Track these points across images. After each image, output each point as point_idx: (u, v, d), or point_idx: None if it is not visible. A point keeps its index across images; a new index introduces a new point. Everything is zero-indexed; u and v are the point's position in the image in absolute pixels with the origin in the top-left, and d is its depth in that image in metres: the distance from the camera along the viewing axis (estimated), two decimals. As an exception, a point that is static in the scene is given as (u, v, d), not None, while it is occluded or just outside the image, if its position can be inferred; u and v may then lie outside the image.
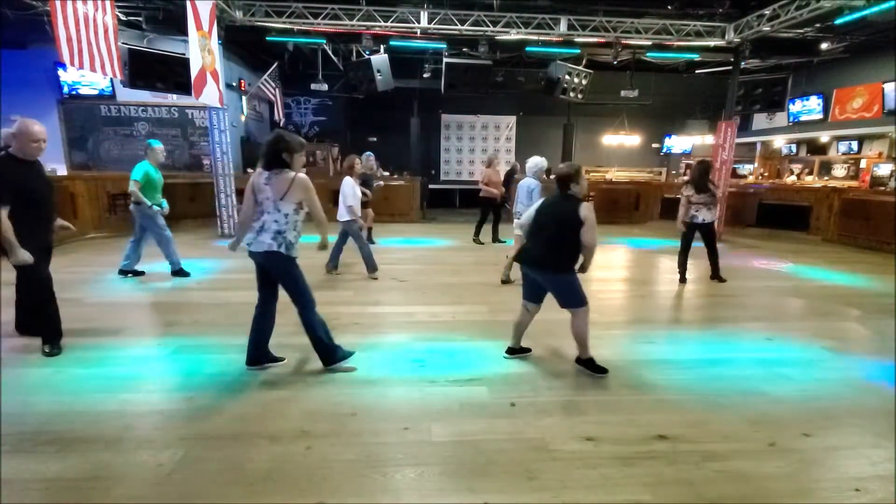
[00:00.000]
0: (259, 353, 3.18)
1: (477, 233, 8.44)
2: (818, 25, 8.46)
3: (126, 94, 10.31)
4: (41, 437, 2.35)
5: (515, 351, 3.48)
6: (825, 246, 8.73)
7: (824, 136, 12.87)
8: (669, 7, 9.21)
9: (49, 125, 10.45)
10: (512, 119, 16.31)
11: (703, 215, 5.51)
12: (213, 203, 8.51)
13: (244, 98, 12.53)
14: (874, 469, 2.25)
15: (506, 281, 5.57)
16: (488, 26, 8.92)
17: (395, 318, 4.28)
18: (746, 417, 2.68)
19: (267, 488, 2.04)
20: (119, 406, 2.67)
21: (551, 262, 3.08)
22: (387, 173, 12.89)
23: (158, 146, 5.39)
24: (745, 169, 15.48)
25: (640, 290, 5.75)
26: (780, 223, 9.72)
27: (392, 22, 8.77)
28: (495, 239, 8.42)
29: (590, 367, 3.21)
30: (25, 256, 3.05)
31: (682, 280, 5.80)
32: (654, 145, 16.85)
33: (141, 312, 4.28)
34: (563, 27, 8.94)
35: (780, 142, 14.44)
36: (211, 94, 7.42)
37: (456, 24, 8.84)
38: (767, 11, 8.10)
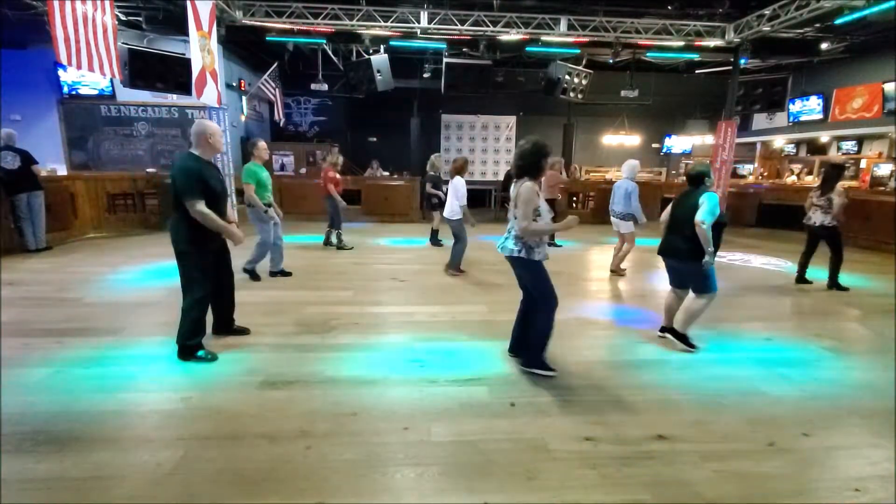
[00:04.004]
0: (520, 347, 3.33)
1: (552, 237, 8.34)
2: (818, 25, 8.46)
3: (126, 94, 10.32)
4: (41, 437, 2.35)
5: (666, 330, 3.82)
6: (825, 246, 8.70)
7: (824, 136, 12.86)
8: (669, 7, 9.21)
9: (49, 125, 10.54)
10: (512, 119, 16.30)
11: (816, 218, 5.43)
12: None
13: (244, 98, 12.53)
14: (874, 469, 2.25)
15: (615, 271, 6.16)
16: (488, 26, 8.92)
17: (395, 318, 4.28)
18: (746, 417, 2.68)
19: (266, 488, 2.03)
20: (118, 406, 2.67)
21: (689, 252, 3.44)
22: (387, 173, 12.89)
23: (261, 143, 5.37)
24: (745, 169, 15.48)
25: (641, 289, 5.75)
26: (780, 223, 9.72)
27: (392, 22, 8.77)
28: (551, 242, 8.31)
29: (683, 340, 3.66)
30: (240, 233, 3.27)
31: (798, 279, 5.80)
32: (654, 145, 16.85)
33: (141, 312, 4.28)
34: (563, 27, 8.94)
35: (780, 142, 14.43)
36: (210, 95, 7.42)
37: (456, 24, 8.85)
38: (767, 11, 8.11)
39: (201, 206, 3.07)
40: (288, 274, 5.62)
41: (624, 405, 2.81)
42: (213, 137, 3.26)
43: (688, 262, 3.52)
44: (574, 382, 3.10)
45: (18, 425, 2.43)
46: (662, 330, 3.87)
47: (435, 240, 8.04)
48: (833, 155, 12.82)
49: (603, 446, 2.38)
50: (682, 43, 9.28)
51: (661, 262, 3.86)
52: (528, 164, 2.96)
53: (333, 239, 7.45)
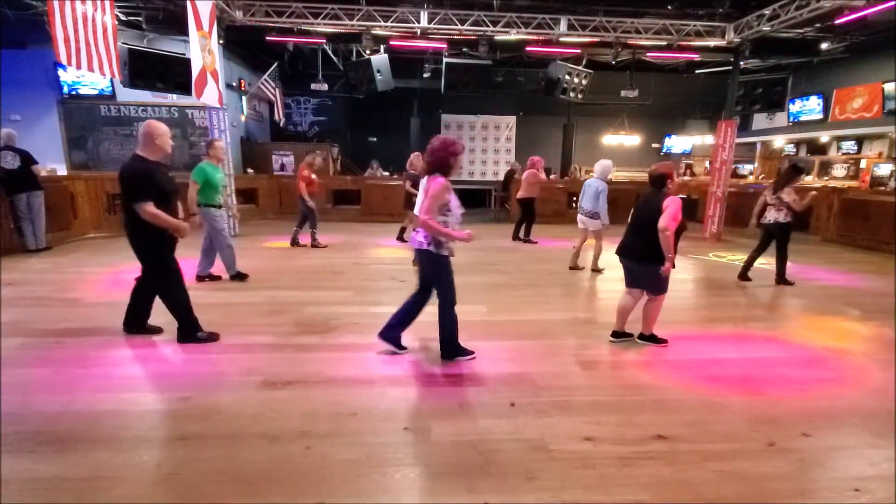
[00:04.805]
0: (394, 335, 3.42)
1: (527, 233, 8.59)
2: (818, 25, 8.46)
3: (126, 94, 10.32)
4: (41, 437, 2.34)
5: (620, 335, 3.78)
6: (825, 246, 8.72)
7: (824, 136, 12.87)
8: (669, 7, 9.21)
9: (49, 125, 10.54)
10: (512, 119, 16.30)
11: (770, 216, 5.51)
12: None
13: (244, 98, 12.53)
14: (874, 469, 2.25)
15: (573, 267, 6.35)
16: (488, 26, 8.92)
17: (395, 318, 4.27)
18: (746, 417, 2.68)
19: (266, 488, 2.03)
20: (118, 406, 2.67)
21: (649, 254, 3.43)
22: (386, 173, 12.89)
23: (218, 143, 5.25)
24: (745, 169, 15.48)
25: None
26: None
27: (392, 22, 8.77)
28: (527, 238, 8.61)
29: (652, 340, 3.72)
30: (184, 224, 3.38)
31: (740, 276, 5.81)
32: (654, 145, 16.86)
33: (141, 312, 4.27)
34: (563, 27, 8.94)
35: (780, 142, 14.43)
36: (211, 95, 7.42)
37: (456, 24, 8.84)
38: (767, 11, 8.10)
39: (150, 207, 3.16)
40: (216, 278, 5.31)
41: (624, 405, 2.81)
42: (161, 139, 3.30)
43: (646, 264, 3.49)
44: (574, 382, 3.10)
45: (18, 425, 2.43)
46: (615, 335, 3.78)
47: (400, 237, 8.11)
48: (834, 155, 12.82)
49: (603, 446, 2.38)
50: (682, 43, 9.29)
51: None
52: (438, 161, 3.05)
53: (317, 238, 7.47)
